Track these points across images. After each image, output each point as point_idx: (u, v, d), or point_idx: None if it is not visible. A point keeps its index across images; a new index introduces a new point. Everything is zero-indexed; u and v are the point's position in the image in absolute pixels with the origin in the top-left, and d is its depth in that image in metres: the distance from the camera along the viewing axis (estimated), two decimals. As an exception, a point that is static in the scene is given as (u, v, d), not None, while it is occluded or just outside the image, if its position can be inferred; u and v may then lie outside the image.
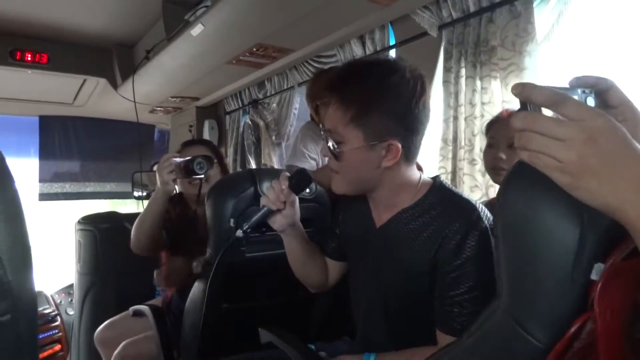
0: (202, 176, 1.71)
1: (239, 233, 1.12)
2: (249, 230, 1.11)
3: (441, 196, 1.02)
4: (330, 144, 1.01)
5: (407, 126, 0.98)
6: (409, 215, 1.03)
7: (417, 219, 1.01)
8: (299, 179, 1.12)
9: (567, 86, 0.58)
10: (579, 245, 0.51)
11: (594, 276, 0.52)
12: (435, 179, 1.07)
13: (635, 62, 1.39)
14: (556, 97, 0.49)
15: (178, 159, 1.69)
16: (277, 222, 1.13)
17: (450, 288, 0.94)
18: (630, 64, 1.41)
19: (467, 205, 0.96)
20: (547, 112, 0.52)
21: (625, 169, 0.46)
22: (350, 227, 1.20)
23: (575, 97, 0.53)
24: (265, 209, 1.11)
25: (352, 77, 1.00)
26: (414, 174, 1.05)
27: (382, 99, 0.95)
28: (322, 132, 1.06)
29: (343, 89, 0.99)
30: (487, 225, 0.93)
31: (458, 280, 0.93)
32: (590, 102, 0.55)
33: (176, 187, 1.76)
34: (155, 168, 1.71)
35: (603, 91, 0.61)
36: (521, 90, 0.51)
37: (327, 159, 1.10)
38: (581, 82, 0.59)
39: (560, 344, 0.54)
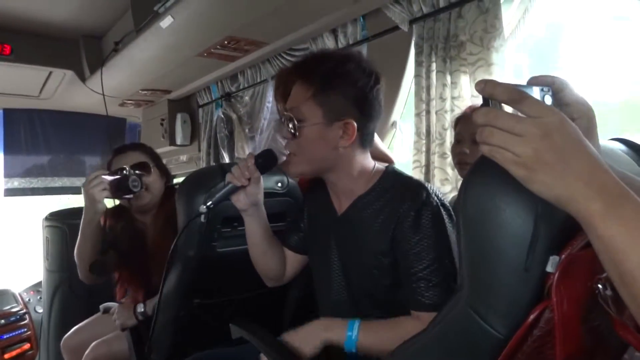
0: (131, 196, 1.59)
1: (202, 208, 1.11)
2: (212, 206, 1.12)
3: (393, 180, 1.09)
4: (290, 125, 1.06)
5: (363, 110, 1.05)
6: (366, 200, 1.09)
7: (374, 203, 1.07)
8: (265, 157, 1.15)
9: (527, 84, 0.60)
10: (532, 237, 0.54)
11: (549, 268, 0.54)
12: (388, 166, 1.14)
13: (597, 57, 1.44)
14: (516, 95, 0.52)
15: (109, 177, 1.56)
16: (241, 200, 1.14)
17: (413, 265, 0.98)
18: (593, 58, 1.45)
19: (417, 186, 1.04)
20: (507, 108, 0.54)
21: (575, 163, 0.49)
22: (315, 218, 1.24)
23: (534, 95, 0.55)
24: (230, 185, 1.12)
25: (314, 60, 1.10)
26: (369, 161, 1.12)
27: (340, 80, 1.03)
28: (282, 117, 1.11)
29: (305, 69, 1.08)
30: (437, 202, 1.00)
31: (419, 256, 0.98)
32: (548, 100, 0.57)
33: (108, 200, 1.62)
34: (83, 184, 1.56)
35: (559, 90, 0.63)
36: (484, 86, 0.53)
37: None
38: (539, 81, 0.61)
39: (519, 332, 0.56)
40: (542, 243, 0.54)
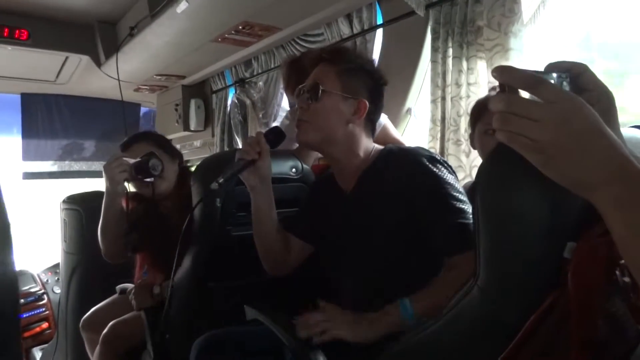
0: (153, 179, 1.61)
1: (214, 185, 1.14)
2: (222, 182, 1.14)
3: (394, 151, 1.16)
4: (309, 92, 1.14)
5: (373, 98, 1.15)
6: (371, 174, 1.15)
7: (379, 174, 1.13)
8: (274, 133, 1.23)
9: (545, 71, 0.59)
10: (548, 223, 0.53)
11: (566, 254, 0.54)
12: (387, 145, 1.21)
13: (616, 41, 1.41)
14: (533, 80, 0.51)
15: (130, 160, 1.58)
16: (251, 176, 1.18)
17: (439, 214, 1.01)
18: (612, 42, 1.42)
19: (416, 148, 1.13)
20: (525, 94, 0.53)
21: (593, 148, 0.48)
22: (322, 202, 1.27)
23: (552, 81, 0.54)
24: (241, 161, 1.16)
25: (340, 47, 1.30)
26: (370, 144, 1.20)
27: (361, 66, 1.16)
28: (300, 91, 1.17)
29: (332, 51, 1.21)
30: (437, 156, 1.09)
31: (440, 204, 1.01)
32: (566, 86, 0.56)
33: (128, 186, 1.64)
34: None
35: (577, 75, 0.62)
36: (500, 73, 0.53)
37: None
38: (557, 67, 0.60)
39: (534, 318, 0.56)
40: (559, 229, 0.54)
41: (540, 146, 0.50)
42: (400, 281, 1.07)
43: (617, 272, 0.54)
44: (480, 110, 1.46)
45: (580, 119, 0.49)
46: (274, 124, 2.89)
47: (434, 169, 1.05)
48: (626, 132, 0.81)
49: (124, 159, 1.56)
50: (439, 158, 1.09)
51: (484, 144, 1.44)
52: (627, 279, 0.53)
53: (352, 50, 1.25)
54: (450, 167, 1.09)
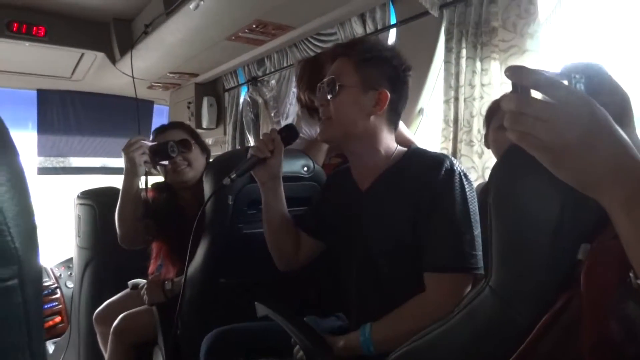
0: (171, 160, 1.64)
1: (226, 181, 1.16)
2: (235, 177, 1.16)
3: (418, 155, 1.14)
4: (328, 88, 1.12)
5: (394, 86, 1.12)
6: (390, 174, 1.12)
7: (398, 177, 1.10)
8: (287, 131, 1.22)
9: (559, 72, 0.59)
10: (557, 223, 0.53)
11: (580, 256, 0.54)
12: (410, 147, 1.19)
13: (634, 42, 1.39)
14: (544, 81, 0.51)
15: (148, 143, 1.62)
16: (262, 173, 1.19)
17: (434, 228, 1.01)
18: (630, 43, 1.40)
19: (440, 156, 1.09)
20: (537, 95, 0.53)
21: (603, 149, 0.48)
22: (337, 198, 1.25)
23: (565, 83, 0.54)
24: (254, 158, 1.17)
25: (356, 39, 1.27)
26: (393, 143, 1.17)
27: (378, 55, 1.12)
28: (319, 88, 1.15)
29: (348, 45, 1.17)
30: (461, 170, 1.04)
31: (439, 219, 1.01)
32: (580, 87, 0.56)
33: (151, 170, 1.68)
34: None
35: (592, 76, 0.62)
36: (513, 72, 0.53)
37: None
38: (572, 68, 0.60)
39: (546, 318, 0.56)
40: (571, 230, 0.54)
41: (550, 146, 0.50)
42: (407, 285, 1.07)
43: (631, 275, 0.54)
44: (494, 109, 1.47)
45: (590, 120, 0.49)
46: (286, 122, 2.91)
47: (459, 192, 1.01)
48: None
49: (143, 141, 1.59)
50: (458, 170, 1.04)
51: (497, 140, 1.45)
52: (641, 282, 0.53)
53: (367, 39, 1.21)
54: (469, 180, 1.05)
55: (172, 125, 1.82)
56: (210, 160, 1.88)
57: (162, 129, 1.79)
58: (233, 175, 1.16)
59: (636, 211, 0.47)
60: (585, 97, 0.50)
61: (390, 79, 1.11)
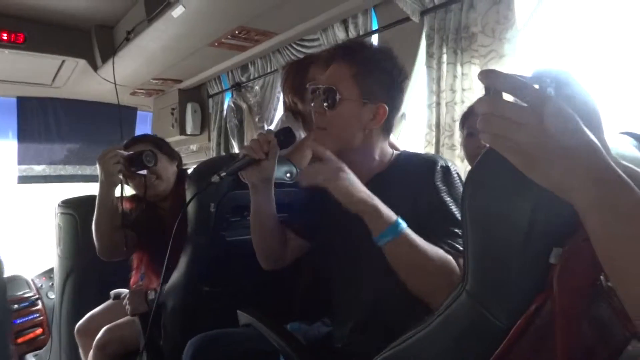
0: (146, 171, 1.62)
1: (215, 178, 1.11)
2: (224, 175, 1.12)
3: (409, 156, 1.17)
4: (327, 98, 1.09)
5: (392, 98, 1.12)
6: (385, 175, 1.13)
7: (392, 178, 1.11)
8: (285, 134, 1.18)
9: (531, 76, 0.60)
10: (535, 229, 0.54)
11: (552, 260, 0.54)
12: (403, 150, 1.21)
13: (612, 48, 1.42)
14: (517, 84, 0.52)
15: (124, 152, 1.59)
16: (254, 175, 1.14)
17: (438, 220, 1.01)
18: (607, 49, 1.43)
19: (433, 156, 1.13)
20: (509, 98, 0.54)
21: (574, 152, 0.50)
22: (327, 201, 1.22)
23: (536, 86, 0.55)
24: (247, 158, 1.12)
25: (357, 45, 1.16)
26: (388, 148, 1.19)
27: (380, 67, 1.09)
28: (314, 92, 1.13)
29: (349, 51, 1.12)
30: (454, 168, 1.09)
31: (441, 212, 1.01)
32: (550, 92, 0.57)
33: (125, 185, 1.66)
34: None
35: (562, 83, 0.63)
36: (486, 76, 0.54)
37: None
38: (543, 73, 0.61)
39: (520, 323, 0.57)
40: (544, 233, 0.55)
41: (522, 149, 0.51)
42: (399, 285, 1.07)
43: (602, 277, 0.55)
44: (466, 115, 1.53)
45: (561, 123, 0.50)
46: (270, 128, 2.90)
47: (453, 186, 1.05)
48: (615, 138, 0.82)
49: (118, 150, 1.56)
50: (452, 169, 1.08)
51: (466, 146, 1.52)
52: (611, 283, 0.54)
53: (368, 45, 1.16)
54: (460, 179, 1.09)
55: (135, 140, 1.78)
56: (185, 166, 1.87)
57: (126, 146, 1.75)
58: (223, 174, 1.12)
59: (606, 213, 0.48)
60: (556, 102, 0.51)
61: (389, 92, 1.11)
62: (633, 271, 0.46)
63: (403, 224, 0.93)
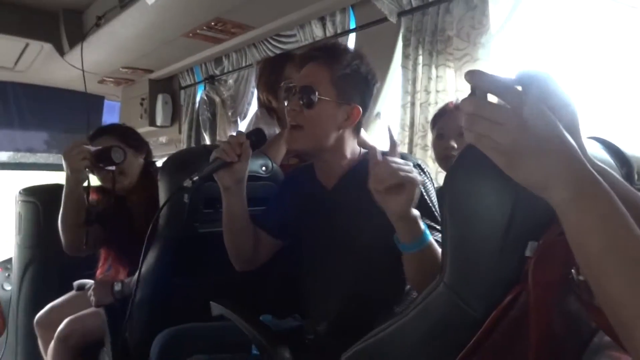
0: (114, 167, 1.56)
1: (187, 183, 1.10)
2: (197, 180, 1.11)
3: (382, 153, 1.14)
4: (304, 97, 1.10)
5: (365, 100, 1.16)
6: (356, 172, 1.13)
7: (363, 175, 1.06)
8: (257, 135, 1.20)
9: (513, 78, 0.62)
10: (508, 221, 0.56)
11: (528, 253, 0.57)
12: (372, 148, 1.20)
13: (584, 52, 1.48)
14: (500, 86, 0.54)
15: (91, 147, 1.53)
16: (227, 177, 1.14)
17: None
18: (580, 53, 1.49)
19: (405, 155, 1.14)
20: (493, 99, 0.56)
21: (553, 152, 0.52)
22: (298, 197, 1.26)
23: (518, 87, 0.58)
24: (219, 161, 1.12)
25: (337, 48, 1.19)
26: (357, 147, 1.22)
27: (356, 70, 1.13)
28: (291, 90, 1.15)
29: (329, 52, 1.15)
30: (422, 164, 1.12)
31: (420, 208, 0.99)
32: (531, 93, 0.59)
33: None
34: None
35: (543, 85, 0.66)
36: (472, 76, 0.55)
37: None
38: (525, 75, 0.64)
39: (495, 314, 0.59)
40: (521, 228, 0.57)
41: (503, 148, 0.53)
42: (381, 282, 1.09)
43: (573, 271, 0.57)
44: (436, 117, 1.57)
45: (542, 125, 0.53)
46: (243, 122, 2.88)
47: (428, 182, 1.09)
48: (585, 142, 0.86)
49: (85, 146, 1.51)
50: (423, 167, 1.11)
51: (435, 147, 1.57)
52: (582, 277, 0.56)
53: (347, 50, 1.19)
54: (431, 178, 1.13)
55: (101, 132, 1.72)
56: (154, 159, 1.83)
57: (92, 138, 1.69)
58: (195, 178, 1.11)
59: (582, 212, 0.50)
60: (537, 104, 0.54)
61: (362, 95, 1.15)
62: (606, 265, 0.48)
63: (428, 232, 0.94)
